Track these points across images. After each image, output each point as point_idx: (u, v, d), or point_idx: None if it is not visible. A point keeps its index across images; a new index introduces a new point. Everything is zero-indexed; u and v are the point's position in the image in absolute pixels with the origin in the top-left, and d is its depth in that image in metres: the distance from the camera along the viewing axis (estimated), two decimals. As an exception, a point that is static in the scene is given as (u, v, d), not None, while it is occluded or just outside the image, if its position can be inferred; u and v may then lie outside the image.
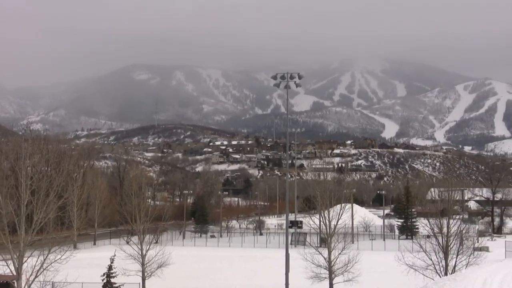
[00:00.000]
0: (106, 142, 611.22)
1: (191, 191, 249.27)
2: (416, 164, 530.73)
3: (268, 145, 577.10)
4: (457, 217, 77.62)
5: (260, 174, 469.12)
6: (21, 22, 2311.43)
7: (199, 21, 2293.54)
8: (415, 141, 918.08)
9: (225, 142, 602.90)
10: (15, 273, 55.76)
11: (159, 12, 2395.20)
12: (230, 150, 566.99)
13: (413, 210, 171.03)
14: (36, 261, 54.50)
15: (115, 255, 67.06)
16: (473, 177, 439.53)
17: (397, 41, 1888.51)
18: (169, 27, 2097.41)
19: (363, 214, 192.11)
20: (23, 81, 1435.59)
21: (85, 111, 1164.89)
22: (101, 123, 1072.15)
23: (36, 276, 54.54)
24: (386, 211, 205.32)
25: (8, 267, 55.93)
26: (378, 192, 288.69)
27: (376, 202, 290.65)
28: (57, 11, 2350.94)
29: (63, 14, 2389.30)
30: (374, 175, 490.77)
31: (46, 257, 54.47)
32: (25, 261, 55.23)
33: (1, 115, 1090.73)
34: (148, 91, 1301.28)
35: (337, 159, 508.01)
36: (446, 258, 66.70)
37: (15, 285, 58.60)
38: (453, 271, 63.19)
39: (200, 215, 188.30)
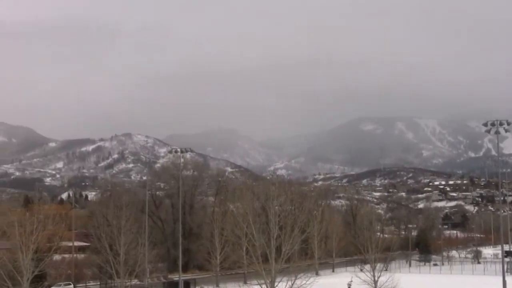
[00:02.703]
0: (339, 184, 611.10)
1: (415, 225, 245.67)
2: None
3: (482, 184, 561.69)
4: None
5: (475, 210, 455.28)
6: (263, 88, 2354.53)
7: (417, 78, 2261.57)
8: None
9: (443, 182, 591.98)
10: (268, 296, 56.53)
11: (381, 72, 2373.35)
12: (448, 189, 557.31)
13: None
14: (285, 286, 55.03)
15: (351, 281, 66.63)
16: None
17: None
18: (391, 85, 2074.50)
19: None
20: (269, 134, 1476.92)
21: (321, 158, 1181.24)
22: (335, 168, 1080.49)
23: (285, 298, 55.09)
24: None
25: (262, 290, 56.82)
26: None
27: None
28: (289, 77, 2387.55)
29: (297, 79, 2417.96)
30: None
31: (294, 282, 54.93)
32: (276, 285, 55.92)
33: (252, 163, 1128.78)
34: (374, 139, 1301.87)
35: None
36: None
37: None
38: None
39: (423, 246, 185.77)
